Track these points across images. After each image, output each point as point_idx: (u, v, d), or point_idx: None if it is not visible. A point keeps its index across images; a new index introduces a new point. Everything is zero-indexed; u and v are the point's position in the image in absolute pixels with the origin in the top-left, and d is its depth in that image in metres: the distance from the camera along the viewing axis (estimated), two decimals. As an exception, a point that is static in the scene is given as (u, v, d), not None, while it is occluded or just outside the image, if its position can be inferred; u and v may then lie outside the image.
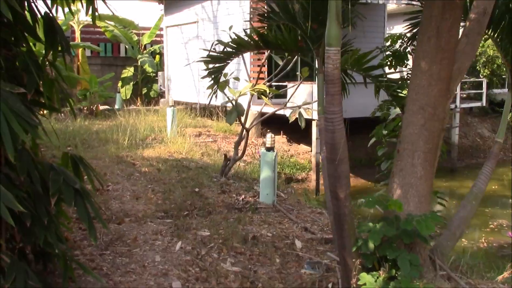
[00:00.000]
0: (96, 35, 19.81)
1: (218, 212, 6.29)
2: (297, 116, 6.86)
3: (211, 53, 4.81)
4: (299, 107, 7.13)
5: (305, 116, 8.02)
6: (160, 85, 18.58)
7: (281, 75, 8.30)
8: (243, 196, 6.96)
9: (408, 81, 4.66)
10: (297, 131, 13.10)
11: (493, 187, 12.80)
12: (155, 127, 12.46)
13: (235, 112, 5.86)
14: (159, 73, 18.72)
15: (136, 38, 19.51)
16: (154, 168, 8.46)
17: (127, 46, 19.29)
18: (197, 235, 5.29)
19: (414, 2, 4.88)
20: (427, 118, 3.74)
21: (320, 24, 4.39)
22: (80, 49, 17.11)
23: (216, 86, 5.33)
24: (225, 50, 4.67)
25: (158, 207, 6.37)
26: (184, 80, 16.33)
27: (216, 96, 5.91)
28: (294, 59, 8.16)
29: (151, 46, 20.35)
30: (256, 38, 4.52)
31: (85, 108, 15.85)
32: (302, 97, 10.74)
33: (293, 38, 4.50)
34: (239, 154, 8.17)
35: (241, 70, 12.89)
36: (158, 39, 20.70)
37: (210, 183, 7.59)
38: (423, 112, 3.74)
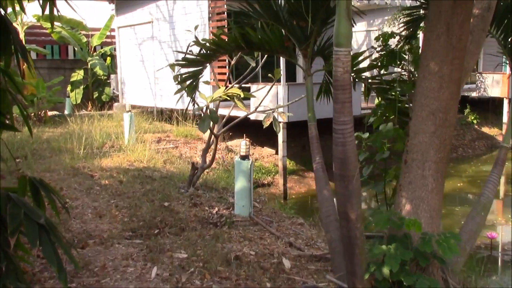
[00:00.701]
0: (42, 37, 18.73)
1: (191, 229, 5.75)
2: (272, 121, 6.41)
3: (187, 55, 4.28)
4: (273, 111, 6.69)
5: (280, 120, 7.60)
6: (113, 89, 17.72)
7: (248, 76, 7.85)
8: (216, 209, 6.44)
9: (407, 83, 4.30)
10: (260, 134, 12.69)
11: (458, 184, 12.80)
12: (112, 134, 11.72)
13: (209, 120, 5.35)
14: (112, 76, 17.86)
15: (85, 39, 18.55)
16: (115, 180, 7.81)
17: (76, 48, 18.31)
18: (173, 258, 4.75)
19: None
20: (438, 124, 3.37)
21: (308, 22, 3.95)
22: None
23: (195, 93, 4.80)
24: (202, 52, 4.15)
25: (125, 225, 5.77)
26: (139, 83, 15.60)
27: (180, 100, 5.39)
28: (264, 59, 7.72)
29: (102, 48, 19.43)
30: (237, 38, 4.03)
31: (33, 115, 14.85)
32: (267, 99, 10.32)
33: (278, 37, 4.03)
34: (208, 162, 7.65)
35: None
36: (109, 40, 19.79)
37: (178, 195, 7.03)
38: (433, 118, 3.37)
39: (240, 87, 7.63)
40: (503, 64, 16.40)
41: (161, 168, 9.23)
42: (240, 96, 5.78)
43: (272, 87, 7.13)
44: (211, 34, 12.03)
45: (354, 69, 4.21)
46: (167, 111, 14.76)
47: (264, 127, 6.54)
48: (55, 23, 17.69)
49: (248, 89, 10.83)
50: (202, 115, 5.73)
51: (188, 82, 4.47)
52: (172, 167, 9.52)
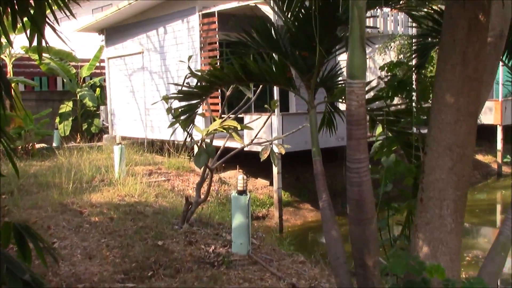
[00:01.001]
0: (30, 69, 18.49)
1: (187, 270, 5.43)
2: (269, 153, 6.17)
3: (183, 88, 4.04)
4: (270, 142, 6.46)
5: (276, 151, 7.38)
6: (103, 120, 17.45)
7: (243, 107, 7.65)
8: (213, 247, 6.13)
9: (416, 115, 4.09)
10: (253, 165, 12.42)
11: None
12: (101, 167, 11.39)
13: (205, 154, 5.09)
14: (101, 107, 17.60)
15: (74, 70, 18.34)
16: (105, 216, 7.48)
17: (64, 80, 18.09)
18: (169, 303, 4.44)
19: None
20: (455, 160, 3.14)
21: (312, 52, 3.75)
22: (13, 84, 15.78)
23: (191, 127, 4.55)
24: (200, 84, 3.93)
25: (116, 267, 5.44)
26: (129, 114, 15.35)
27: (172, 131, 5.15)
28: (259, 89, 7.53)
29: (91, 79, 19.22)
30: (236, 70, 3.81)
31: (20, 148, 14.49)
32: (261, 129, 10.10)
33: (280, 68, 3.82)
34: (202, 197, 7.36)
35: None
36: (98, 71, 19.60)
37: (172, 232, 6.72)
38: (450, 153, 3.14)
39: (234, 118, 7.43)
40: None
41: (153, 202, 8.91)
42: (237, 128, 5.55)
43: (268, 118, 6.92)
44: (203, 65, 11.89)
45: (360, 100, 3.99)
46: (158, 142, 14.49)
47: (261, 159, 6.29)
48: (44, 54, 17.51)
49: (242, 119, 10.62)
50: (197, 148, 5.48)
51: (183, 116, 4.23)
52: (164, 201, 9.21)
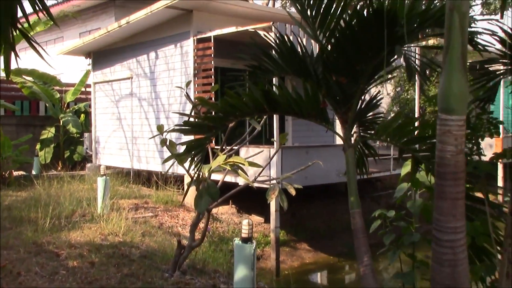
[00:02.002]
0: (11, 92, 17.59)
1: (182, 333, 4.56)
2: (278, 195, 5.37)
3: (190, 119, 3.27)
4: (278, 181, 5.67)
5: (283, 187, 6.60)
6: (86, 148, 16.52)
7: (247, 139, 6.92)
8: (210, 303, 5.27)
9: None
10: (246, 199, 11.60)
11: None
12: (83, 200, 10.46)
13: (207, 196, 4.28)
14: (85, 134, 16.70)
15: (58, 95, 17.48)
16: (85, 260, 6.57)
17: (47, 104, 17.19)
18: None
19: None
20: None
21: (352, 78, 3.01)
22: (-8, 108, 14.88)
23: (199, 165, 3.76)
24: (212, 114, 3.15)
25: (97, 329, 4.55)
26: (115, 142, 14.48)
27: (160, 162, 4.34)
28: (262, 120, 6.77)
29: (76, 104, 18.36)
30: (258, 98, 3.05)
31: (-3, 176, 13.50)
32: (258, 162, 9.32)
33: (312, 98, 3.07)
34: (197, 241, 6.51)
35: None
36: (84, 96, 18.77)
37: (162, 282, 5.84)
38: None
39: (229, 151, 6.68)
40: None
41: (139, 242, 8.01)
42: (244, 165, 4.77)
43: (276, 152, 6.16)
44: (196, 92, 11.14)
45: (405, 139, 3.24)
46: (145, 173, 13.60)
47: (268, 201, 5.50)
48: (26, 77, 16.66)
49: (237, 152, 9.84)
50: (187, 183, 4.67)
51: (188, 153, 3.43)
52: (152, 241, 8.32)
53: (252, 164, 5.33)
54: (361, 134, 3.61)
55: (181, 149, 5.02)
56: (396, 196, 5.52)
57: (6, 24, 2.33)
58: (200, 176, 4.30)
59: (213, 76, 10.85)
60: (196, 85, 11.26)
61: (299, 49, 3.29)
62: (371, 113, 3.55)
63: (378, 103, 3.47)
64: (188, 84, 5.74)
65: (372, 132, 3.66)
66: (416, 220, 4.88)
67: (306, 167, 6.76)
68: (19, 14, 2.38)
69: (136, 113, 13.41)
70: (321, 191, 12.99)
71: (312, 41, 3.44)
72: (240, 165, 4.76)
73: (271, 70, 3.48)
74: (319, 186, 11.67)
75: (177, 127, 3.23)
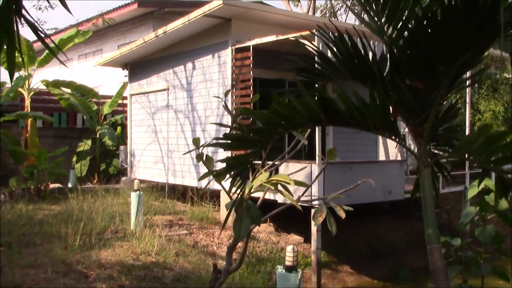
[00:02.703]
0: (49, 104, 17.57)
1: None
2: (325, 217, 4.78)
3: (233, 132, 2.74)
4: (325, 201, 5.07)
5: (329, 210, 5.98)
6: (122, 161, 16.27)
7: (290, 154, 6.34)
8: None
9: None
10: (284, 218, 10.97)
11: None
12: (116, 214, 10.09)
13: (248, 219, 3.73)
14: (121, 147, 16.47)
15: (95, 107, 17.36)
16: (115, 282, 6.13)
17: (84, 116, 17.07)
18: None
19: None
20: None
21: (430, 82, 2.43)
22: (30, 120, 14.76)
23: (242, 185, 3.24)
24: (257, 126, 2.61)
25: None
26: (150, 155, 14.14)
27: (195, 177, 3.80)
28: (307, 133, 6.19)
29: (112, 116, 18.21)
30: (313, 107, 2.50)
31: (32, 189, 13.33)
32: (300, 179, 8.74)
33: (380, 107, 2.50)
34: (235, 265, 5.94)
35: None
36: (121, 108, 18.62)
37: (196, 311, 5.31)
38: None
39: (272, 166, 6.12)
40: None
41: (172, 263, 7.53)
42: (289, 184, 4.20)
43: (323, 169, 5.57)
44: (234, 104, 10.67)
45: (494, 158, 2.62)
46: (180, 188, 13.17)
47: (315, 224, 4.91)
48: (64, 89, 16.59)
49: (277, 169, 9.28)
50: (237, 209, 4.13)
51: (230, 171, 2.90)
52: (186, 261, 7.82)
53: (298, 183, 4.76)
54: (432, 150, 3.01)
55: (219, 164, 4.51)
56: (462, 222, 4.83)
57: (7, 11, 1.85)
58: (240, 196, 3.75)
59: (251, 87, 10.35)
60: (234, 96, 10.79)
61: (362, 48, 2.73)
62: (445, 125, 2.95)
63: (458, 113, 2.87)
64: (227, 93, 5.23)
65: (443, 147, 3.05)
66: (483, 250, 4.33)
67: (355, 186, 6.13)
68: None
69: (172, 126, 13.04)
70: (364, 209, 12.27)
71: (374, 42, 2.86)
72: (285, 184, 4.20)
73: (326, 75, 2.93)
74: (362, 205, 10.99)
75: (216, 141, 2.72)
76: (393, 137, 2.61)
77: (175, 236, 9.19)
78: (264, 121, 2.58)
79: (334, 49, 2.83)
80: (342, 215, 4.97)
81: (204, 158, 4.60)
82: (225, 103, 5.42)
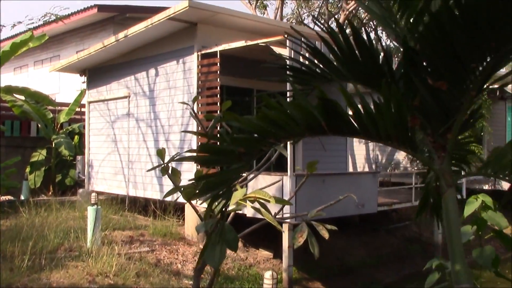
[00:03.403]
0: (1, 111, 16.54)
1: None
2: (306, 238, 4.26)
3: (211, 142, 2.19)
4: (305, 220, 4.56)
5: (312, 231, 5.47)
6: (79, 172, 15.39)
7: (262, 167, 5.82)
8: None
9: None
10: (253, 232, 10.47)
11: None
12: (71, 230, 9.32)
13: (223, 245, 3.19)
14: (78, 157, 15.59)
15: (51, 115, 16.43)
16: (66, 312, 5.43)
17: (39, 125, 16.13)
18: None
19: None
20: None
21: (459, 81, 1.95)
22: (-22, 128, 13.78)
23: (223, 207, 2.69)
24: (242, 135, 2.08)
25: None
26: (110, 166, 13.35)
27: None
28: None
29: (69, 125, 17.30)
30: (312, 113, 1.98)
31: (-21, 202, 12.37)
32: (270, 193, 8.23)
33: (396, 113, 2.00)
34: (203, 289, 5.36)
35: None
36: (78, 116, 17.74)
37: None
38: None
39: (244, 180, 5.60)
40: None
41: (132, 285, 6.86)
42: (269, 202, 3.67)
43: (303, 183, 5.06)
44: (200, 112, 10.09)
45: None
46: (141, 200, 12.45)
47: (295, 246, 4.39)
48: (18, 96, 15.62)
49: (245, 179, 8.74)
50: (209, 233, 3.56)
51: (210, 191, 2.34)
52: (147, 282, 7.18)
53: (279, 200, 4.22)
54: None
55: (184, 175, 3.94)
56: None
57: None
58: (217, 220, 3.21)
59: (218, 95, 9.81)
60: (200, 104, 10.22)
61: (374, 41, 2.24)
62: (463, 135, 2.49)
63: (477, 120, 2.42)
64: (195, 99, 4.67)
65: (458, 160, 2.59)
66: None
67: (337, 201, 5.66)
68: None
69: (133, 135, 12.33)
70: (333, 223, 11.87)
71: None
72: (263, 201, 3.66)
73: (320, 76, 2.43)
74: (335, 219, 10.57)
75: (188, 154, 2.17)
76: (409, 149, 2.12)
77: (136, 254, 8.50)
78: (253, 130, 2.05)
79: (336, 46, 2.33)
80: (326, 235, 4.45)
81: (169, 171, 4.01)
82: (193, 110, 4.85)
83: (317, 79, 2.52)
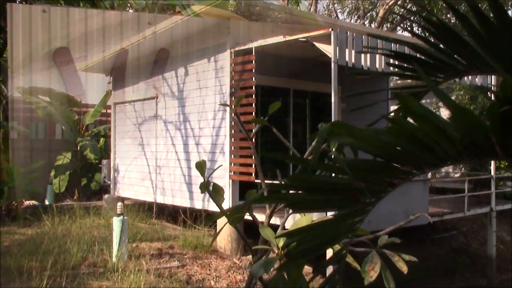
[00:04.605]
0: (26, 113, 16.06)
1: None
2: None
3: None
4: (376, 249, 3.69)
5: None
6: (104, 177, 14.78)
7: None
8: None
9: None
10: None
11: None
12: (95, 241, 8.64)
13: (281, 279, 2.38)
14: (104, 161, 15.00)
15: (76, 117, 15.92)
16: None
17: (64, 127, 15.60)
18: None
19: None
20: None
21: None
22: (2, 131, 13.25)
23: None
24: (373, 161, 1.29)
25: None
26: (136, 171, 12.68)
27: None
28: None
29: (95, 127, 16.77)
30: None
31: (3, 208, 11.82)
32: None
33: None
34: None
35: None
36: (104, 118, 17.21)
37: None
38: None
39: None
40: None
41: (163, 309, 6.12)
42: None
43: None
44: (233, 115, 9.30)
45: None
46: (169, 207, 11.74)
47: (366, 281, 3.56)
48: (42, 97, 15.13)
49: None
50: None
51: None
52: (178, 305, 6.42)
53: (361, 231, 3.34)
54: None
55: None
56: None
57: None
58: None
59: (254, 96, 9.01)
60: (233, 106, 9.42)
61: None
62: None
63: None
64: (240, 99, 3.89)
65: None
66: None
67: (407, 222, 4.80)
68: None
69: (161, 138, 11.63)
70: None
71: None
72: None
73: (453, 68, 1.63)
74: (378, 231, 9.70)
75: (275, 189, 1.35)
76: None
77: (165, 270, 7.76)
78: (380, 152, 1.24)
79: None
80: (403, 268, 3.58)
81: (211, 187, 3.22)
82: (236, 113, 4.04)
83: (439, 71, 1.72)
